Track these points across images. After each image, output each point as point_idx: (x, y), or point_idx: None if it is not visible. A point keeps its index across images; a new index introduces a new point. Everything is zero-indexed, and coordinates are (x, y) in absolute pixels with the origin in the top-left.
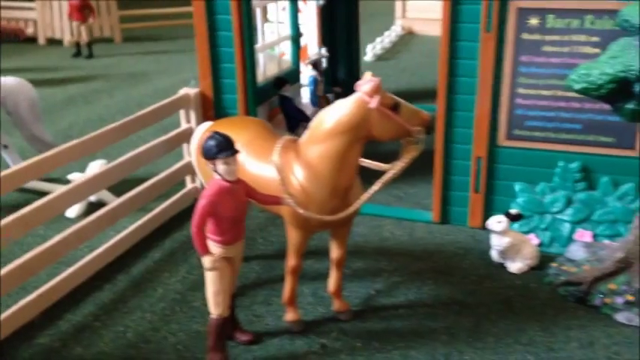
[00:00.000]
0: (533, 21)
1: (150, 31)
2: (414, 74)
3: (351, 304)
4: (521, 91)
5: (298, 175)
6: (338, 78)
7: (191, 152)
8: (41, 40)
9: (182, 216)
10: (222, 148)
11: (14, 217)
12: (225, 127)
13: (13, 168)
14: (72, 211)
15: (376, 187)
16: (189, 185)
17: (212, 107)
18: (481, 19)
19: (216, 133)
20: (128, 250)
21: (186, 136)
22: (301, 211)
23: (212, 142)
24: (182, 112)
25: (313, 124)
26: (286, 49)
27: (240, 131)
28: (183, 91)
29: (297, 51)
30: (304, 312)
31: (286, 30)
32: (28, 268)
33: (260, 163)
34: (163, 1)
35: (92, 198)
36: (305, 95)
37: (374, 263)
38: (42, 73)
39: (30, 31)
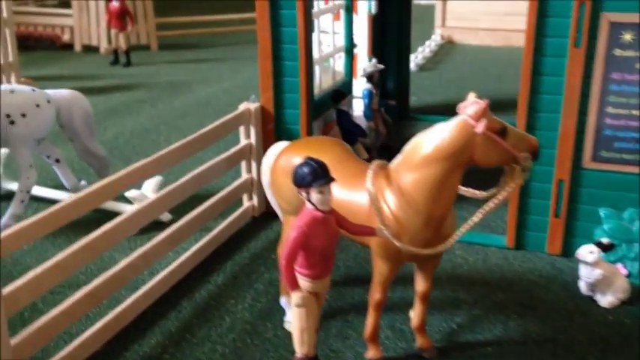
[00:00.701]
0: (627, 36)
1: (185, 38)
2: (461, 86)
3: (432, 339)
4: (610, 110)
5: (390, 203)
6: (387, 88)
7: (263, 173)
8: (77, 47)
9: (240, 236)
10: (317, 176)
11: (85, 243)
12: (303, 148)
13: (90, 188)
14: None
15: (476, 218)
16: (245, 203)
17: (272, 122)
18: (570, 34)
19: (310, 159)
20: (189, 273)
21: (246, 152)
22: (398, 243)
23: (306, 170)
24: (242, 128)
25: (407, 148)
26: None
27: (320, 154)
28: (243, 106)
29: (351, 62)
30: (384, 347)
31: (340, 41)
32: (95, 296)
33: (345, 189)
34: (199, 9)
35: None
36: (358, 108)
37: (451, 293)
38: (82, 82)
39: (66, 37)
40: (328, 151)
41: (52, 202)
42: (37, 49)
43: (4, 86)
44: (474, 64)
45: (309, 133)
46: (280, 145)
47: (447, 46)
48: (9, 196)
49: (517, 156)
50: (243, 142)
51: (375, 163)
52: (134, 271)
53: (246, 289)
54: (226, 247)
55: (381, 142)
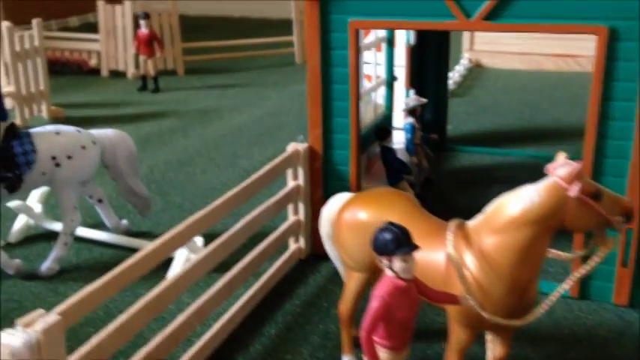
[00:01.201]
0: None
1: (210, 63)
2: (496, 114)
3: None
4: None
5: (471, 268)
6: (424, 119)
7: (322, 224)
8: (104, 72)
9: (288, 281)
10: (400, 244)
11: (147, 301)
12: (370, 202)
13: (157, 243)
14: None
15: (566, 285)
16: (292, 246)
17: (320, 163)
18: None
19: (392, 225)
20: (241, 323)
21: (294, 194)
22: (486, 315)
23: (388, 236)
24: (289, 169)
25: (490, 209)
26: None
27: (389, 209)
28: (291, 148)
29: (391, 95)
30: None
31: (382, 73)
32: (154, 357)
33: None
34: (222, 33)
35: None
36: (398, 141)
37: (519, 350)
38: (111, 109)
39: (93, 62)
40: (397, 206)
41: (93, 242)
42: (64, 74)
43: (50, 127)
44: (506, 90)
45: (358, 174)
46: (342, 197)
47: (476, 70)
48: (47, 235)
49: (610, 220)
50: (291, 183)
51: (454, 222)
52: (189, 327)
53: (302, 343)
54: (275, 293)
55: (424, 176)
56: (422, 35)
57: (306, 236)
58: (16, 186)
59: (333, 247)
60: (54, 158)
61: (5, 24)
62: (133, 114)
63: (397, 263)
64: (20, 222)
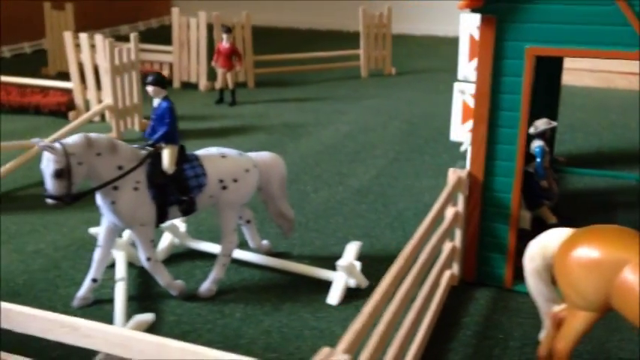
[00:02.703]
0: None
1: (276, 75)
2: (588, 133)
3: None
4: None
5: None
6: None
7: (530, 258)
8: (176, 84)
9: (450, 310)
10: None
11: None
12: (603, 240)
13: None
14: (334, 299)
15: None
16: (446, 273)
17: (480, 191)
18: None
19: None
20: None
21: (454, 222)
22: None
23: None
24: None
25: None
26: None
27: (622, 247)
28: (454, 175)
29: None
30: None
31: None
32: None
33: None
34: (287, 45)
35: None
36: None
37: None
38: (197, 122)
39: (165, 74)
40: (632, 244)
41: (237, 262)
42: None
43: (213, 150)
44: (585, 108)
45: (520, 202)
46: (560, 233)
47: None
48: (189, 254)
49: None
50: (450, 210)
51: None
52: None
53: None
54: (443, 322)
55: (554, 201)
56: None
57: (460, 263)
58: (190, 209)
59: (539, 282)
60: (221, 181)
61: (102, 39)
62: (220, 128)
63: None
64: (165, 241)
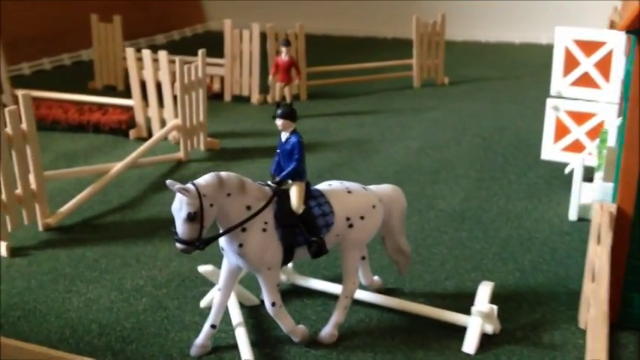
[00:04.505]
0: None
1: (327, 88)
2: None
3: None
4: None
5: None
6: None
7: None
8: (227, 97)
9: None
10: None
11: None
12: None
13: None
14: None
15: None
16: (582, 315)
17: (628, 227)
18: None
19: None
20: None
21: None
22: None
23: None
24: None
25: None
26: None
27: None
28: (602, 210)
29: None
30: None
31: None
32: None
33: None
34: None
35: None
36: None
37: None
38: (259, 139)
39: (216, 87)
40: None
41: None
42: None
43: (336, 184)
44: None
45: None
46: None
47: None
48: (296, 292)
49: None
50: (593, 249)
51: None
52: None
53: None
54: None
55: None
56: None
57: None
58: (321, 251)
59: None
60: (348, 219)
61: (165, 54)
62: None
63: None
64: None
